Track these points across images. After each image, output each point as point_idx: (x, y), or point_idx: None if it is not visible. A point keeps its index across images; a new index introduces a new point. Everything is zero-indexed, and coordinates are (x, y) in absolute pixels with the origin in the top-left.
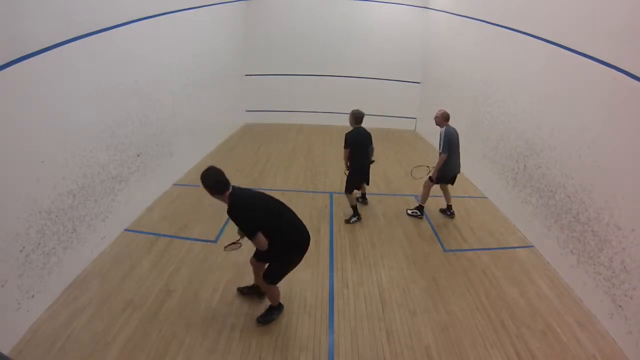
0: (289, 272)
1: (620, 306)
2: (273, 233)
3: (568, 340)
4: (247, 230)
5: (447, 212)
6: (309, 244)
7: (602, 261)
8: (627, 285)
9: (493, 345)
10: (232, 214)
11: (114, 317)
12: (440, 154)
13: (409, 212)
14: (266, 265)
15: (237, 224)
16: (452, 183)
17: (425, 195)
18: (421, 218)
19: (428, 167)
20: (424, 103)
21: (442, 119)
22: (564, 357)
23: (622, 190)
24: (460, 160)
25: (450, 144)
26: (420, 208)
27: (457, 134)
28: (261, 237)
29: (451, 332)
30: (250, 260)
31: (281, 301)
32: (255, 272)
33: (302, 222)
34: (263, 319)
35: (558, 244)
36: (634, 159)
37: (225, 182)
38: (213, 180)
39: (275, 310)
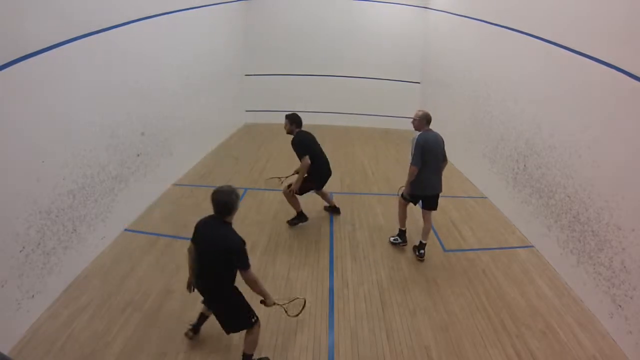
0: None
1: (620, 306)
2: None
3: (568, 340)
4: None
5: (417, 251)
6: None
7: (602, 261)
8: (627, 285)
9: (493, 345)
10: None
11: (114, 317)
12: (410, 164)
13: (391, 239)
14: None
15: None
16: (434, 207)
17: (402, 216)
18: (404, 245)
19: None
20: (424, 103)
21: (423, 121)
22: (564, 357)
23: (622, 190)
24: (441, 176)
25: (424, 155)
26: (401, 234)
27: (440, 142)
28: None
29: (451, 332)
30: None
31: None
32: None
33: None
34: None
35: (558, 244)
36: (634, 159)
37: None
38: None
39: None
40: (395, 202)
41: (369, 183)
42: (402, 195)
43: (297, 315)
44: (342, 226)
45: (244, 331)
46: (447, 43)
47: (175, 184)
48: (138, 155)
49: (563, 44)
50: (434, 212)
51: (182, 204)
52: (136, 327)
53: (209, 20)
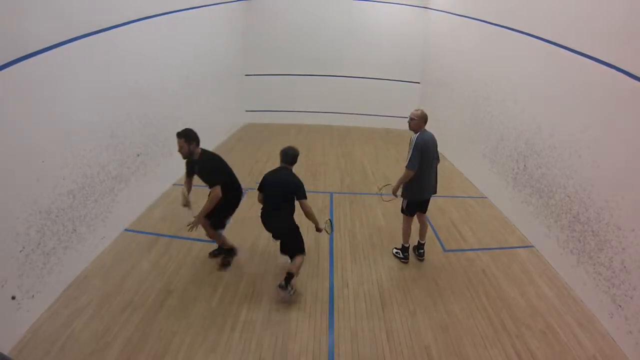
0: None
1: (620, 306)
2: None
3: (568, 340)
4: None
5: (417, 251)
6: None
7: (602, 261)
8: (627, 285)
9: (493, 345)
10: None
11: (114, 317)
12: (407, 168)
13: (394, 251)
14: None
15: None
16: (424, 210)
17: (407, 231)
18: (405, 262)
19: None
20: (424, 103)
21: (422, 121)
22: (564, 357)
23: (622, 190)
24: (437, 178)
25: (422, 157)
26: (404, 249)
27: (434, 142)
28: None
29: (451, 332)
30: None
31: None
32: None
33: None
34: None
35: (558, 244)
36: (634, 159)
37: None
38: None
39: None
40: (394, 202)
41: (369, 183)
42: (402, 210)
43: (331, 232)
44: (341, 226)
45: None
46: (447, 43)
47: (175, 184)
48: (138, 155)
49: (563, 44)
50: (430, 212)
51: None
52: (136, 327)
53: (209, 20)
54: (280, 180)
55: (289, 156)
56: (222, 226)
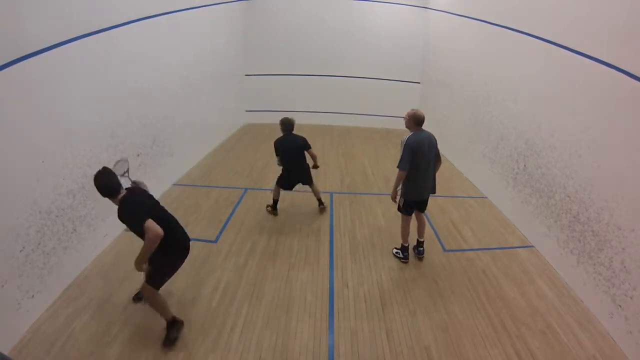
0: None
1: (620, 306)
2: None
3: (568, 340)
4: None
5: (416, 249)
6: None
7: (602, 261)
8: (627, 285)
9: (493, 345)
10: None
11: (114, 317)
12: (398, 168)
13: (394, 251)
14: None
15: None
16: (425, 208)
17: (406, 231)
18: (405, 261)
19: None
20: (424, 103)
21: (411, 121)
22: (564, 357)
23: (622, 190)
24: (435, 177)
25: (415, 157)
26: (403, 249)
27: (433, 142)
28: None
29: (451, 332)
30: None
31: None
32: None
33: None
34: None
35: (558, 244)
36: (634, 159)
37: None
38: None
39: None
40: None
41: (369, 183)
42: (399, 209)
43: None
44: (341, 226)
45: None
46: (447, 43)
47: (175, 184)
48: (138, 155)
49: (563, 44)
50: (430, 212)
51: (182, 204)
52: (136, 327)
53: (209, 20)
54: (294, 142)
55: (292, 125)
56: (160, 284)
